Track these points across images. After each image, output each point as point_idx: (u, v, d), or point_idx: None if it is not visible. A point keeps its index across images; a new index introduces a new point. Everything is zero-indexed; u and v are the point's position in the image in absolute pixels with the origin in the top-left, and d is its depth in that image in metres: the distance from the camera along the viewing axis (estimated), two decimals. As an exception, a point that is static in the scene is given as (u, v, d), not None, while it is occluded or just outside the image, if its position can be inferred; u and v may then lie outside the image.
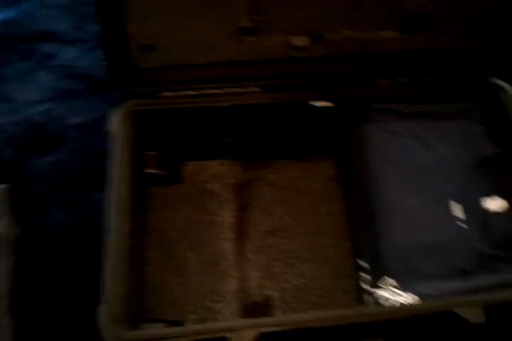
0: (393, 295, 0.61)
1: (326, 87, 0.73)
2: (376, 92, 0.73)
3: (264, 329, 0.54)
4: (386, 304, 0.61)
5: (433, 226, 0.66)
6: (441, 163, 0.71)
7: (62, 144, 0.84)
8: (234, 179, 0.79)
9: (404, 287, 0.61)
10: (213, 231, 0.75)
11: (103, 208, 0.63)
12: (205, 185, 0.79)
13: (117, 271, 0.60)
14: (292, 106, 0.73)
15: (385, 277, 0.63)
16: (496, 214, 0.68)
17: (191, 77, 0.71)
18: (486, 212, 0.68)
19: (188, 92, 0.72)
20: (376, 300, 0.63)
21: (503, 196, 0.69)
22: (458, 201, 0.69)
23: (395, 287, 0.62)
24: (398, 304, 0.60)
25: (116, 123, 0.69)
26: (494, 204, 0.69)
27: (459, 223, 0.67)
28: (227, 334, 0.54)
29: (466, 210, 0.68)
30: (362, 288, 0.67)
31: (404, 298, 0.60)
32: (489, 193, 0.70)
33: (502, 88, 0.73)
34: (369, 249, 0.67)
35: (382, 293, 0.62)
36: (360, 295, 0.68)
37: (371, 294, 0.64)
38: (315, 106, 0.73)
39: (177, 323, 0.66)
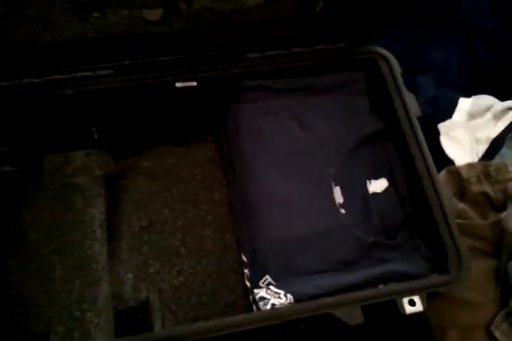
0: (271, 294, 0.55)
1: (189, 65, 0.64)
2: (246, 68, 0.65)
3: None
4: (263, 305, 0.55)
5: (311, 214, 0.60)
6: (321, 144, 0.64)
7: None
8: (103, 170, 0.71)
9: (282, 285, 0.56)
10: (81, 232, 0.67)
11: None
12: (71, 179, 0.70)
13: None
14: (152, 89, 0.64)
15: (265, 275, 0.57)
16: (377, 195, 0.63)
17: (29, 63, 0.60)
18: (367, 195, 0.63)
19: (29, 80, 0.61)
20: (254, 300, 0.58)
21: (385, 175, 0.64)
22: (338, 185, 0.63)
23: (274, 286, 0.56)
24: (276, 304, 0.54)
25: None
26: (376, 185, 0.64)
27: (339, 209, 0.61)
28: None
29: (346, 195, 0.62)
30: (246, 285, 0.60)
31: (281, 298, 0.54)
32: (371, 174, 0.65)
33: (383, 56, 0.66)
34: (248, 243, 0.61)
35: (261, 293, 0.56)
36: (245, 291, 0.63)
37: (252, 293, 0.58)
38: (178, 87, 0.64)
39: (43, 338, 0.58)
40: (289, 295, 0.54)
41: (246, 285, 0.62)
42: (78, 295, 0.62)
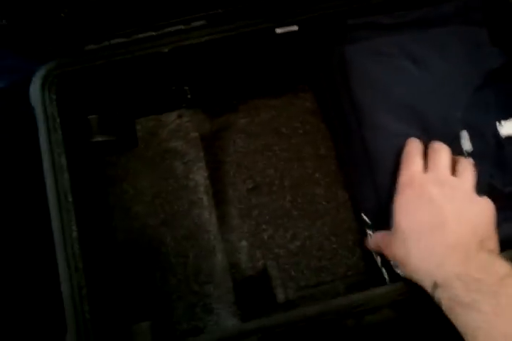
0: None
1: (288, 8, 0.55)
2: (352, 4, 0.56)
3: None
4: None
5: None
6: (441, 85, 0.55)
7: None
8: (198, 131, 0.65)
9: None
10: (186, 200, 0.62)
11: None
12: (167, 144, 0.65)
13: (78, 284, 0.47)
14: (248, 38, 0.56)
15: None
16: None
17: (117, 21, 0.53)
18: (500, 139, 0.54)
19: (118, 40, 0.54)
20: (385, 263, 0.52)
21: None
22: (465, 130, 0.54)
23: None
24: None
25: (36, 94, 0.53)
26: (509, 126, 0.55)
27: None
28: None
29: (475, 140, 0.54)
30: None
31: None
32: (502, 114, 0.56)
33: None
34: (372, 201, 0.55)
35: None
36: (367, 252, 0.57)
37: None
38: (277, 34, 0.56)
39: (165, 315, 0.56)
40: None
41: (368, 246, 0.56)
42: (194, 268, 0.58)
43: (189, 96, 0.63)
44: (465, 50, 0.57)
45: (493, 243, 0.44)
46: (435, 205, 0.44)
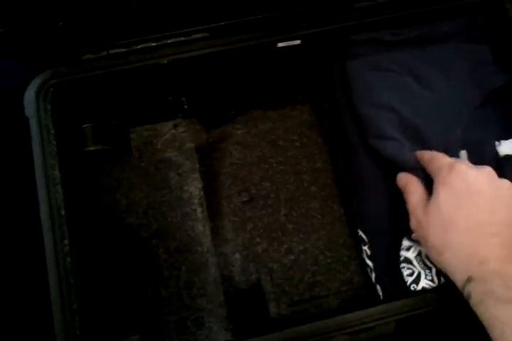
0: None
1: (291, 22, 0.53)
2: (356, 20, 0.54)
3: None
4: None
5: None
6: (443, 102, 0.54)
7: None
8: (194, 142, 0.63)
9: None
10: (180, 212, 0.60)
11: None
12: (161, 154, 0.63)
13: (68, 299, 0.46)
14: (250, 51, 0.54)
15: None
16: (510, 157, 0.53)
17: (116, 31, 0.51)
18: (498, 158, 0.53)
19: (116, 51, 0.52)
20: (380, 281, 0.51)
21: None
22: (464, 148, 0.53)
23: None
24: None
25: (31, 105, 0.51)
26: (507, 145, 0.54)
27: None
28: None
29: (474, 159, 0.52)
30: (366, 263, 0.54)
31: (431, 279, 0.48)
32: (501, 133, 0.55)
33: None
34: (369, 218, 0.53)
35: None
36: (361, 267, 0.57)
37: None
38: (279, 47, 0.54)
39: (157, 329, 0.54)
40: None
41: (363, 261, 0.55)
42: (186, 281, 0.57)
43: (186, 106, 0.62)
44: (467, 68, 0.56)
45: None
46: (486, 201, 0.42)
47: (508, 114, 0.55)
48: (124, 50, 0.52)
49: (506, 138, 0.55)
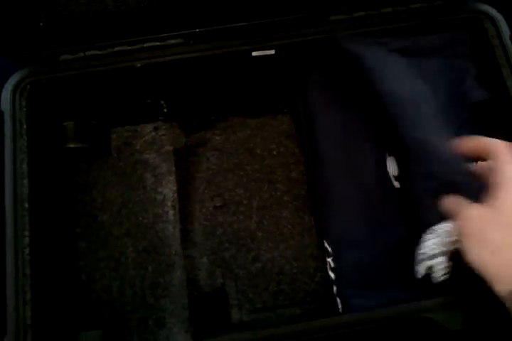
0: None
1: (265, 31, 0.53)
2: (331, 32, 0.53)
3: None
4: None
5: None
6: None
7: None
8: (173, 145, 0.62)
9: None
10: (152, 213, 0.60)
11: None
12: (140, 155, 0.62)
13: (22, 289, 0.45)
14: (225, 59, 0.54)
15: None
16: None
17: (93, 34, 0.51)
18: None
19: (93, 52, 0.52)
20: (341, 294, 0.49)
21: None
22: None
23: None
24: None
25: (7, 100, 0.51)
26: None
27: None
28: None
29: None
30: (329, 275, 0.52)
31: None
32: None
33: (489, 16, 0.54)
34: (333, 232, 0.52)
35: None
36: (326, 279, 0.55)
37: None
38: (253, 56, 0.54)
39: (118, 326, 0.53)
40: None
41: (328, 273, 0.53)
42: (152, 281, 0.56)
43: (165, 110, 0.61)
44: (448, 82, 0.54)
45: None
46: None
47: (485, 131, 0.53)
48: (100, 52, 0.52)
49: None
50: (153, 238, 0.58)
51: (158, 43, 0.52)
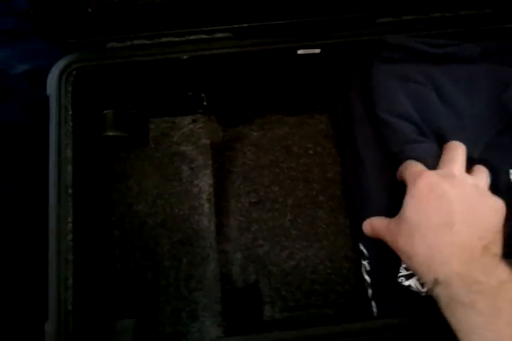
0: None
1: (313, 30, 0.51)
2: (378, 34, 0.52)
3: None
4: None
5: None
6: (464, 124, 0.51)
7: (7, 99, 0.63)
8: (210, 139, 0.61)
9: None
10: (188, 205, 0.58)
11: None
12: (177, 147, 0.61)
13: (65, 274, 0.44)
14: (270, 55, 0.53)
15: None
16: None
17: (142, 23, 0.49)
18: (510, 185, 0.50)
19: (140, 42, 0.50)
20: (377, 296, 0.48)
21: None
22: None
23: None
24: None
25: (53, 84, 0.49)
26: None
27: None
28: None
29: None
30: (364, 278, 0.51)
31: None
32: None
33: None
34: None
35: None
36: (360, 282, 0.53)
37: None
38: (298, 54, 0.52)
39: (151, 317, 0.51)
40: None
41: (362, 276, 0.52)
42: (186, 273, 0.54)
43: (205, 103, 0.60)
44: (493, 90, 0.53)
45: (497, 248, 0.41)
46: (446, 202, 0.41)
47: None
48: (147, 41, 0.51)
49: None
50: (188, 230, 0.56)
51: (205, 36, 0.51)
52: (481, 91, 0.53)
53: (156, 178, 0.59)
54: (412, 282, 0.45)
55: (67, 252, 0.44)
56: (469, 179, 0.44)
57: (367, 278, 0.51)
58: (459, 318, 0.38)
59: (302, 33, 0.52)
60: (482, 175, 0.46)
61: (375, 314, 0.50)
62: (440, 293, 0.39)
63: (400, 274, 0.46)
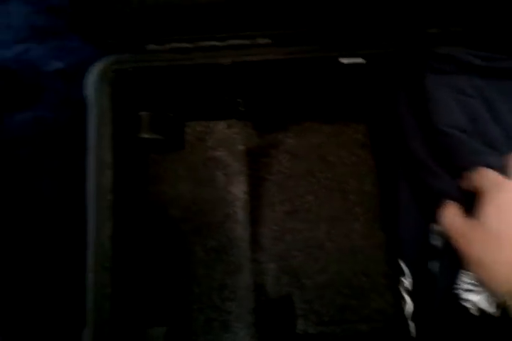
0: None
1: (357, 39, 0.49)
2: (426, 45, 0.50)
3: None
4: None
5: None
6: (510, 140, 0.49)
7: (41, 96, 0.61)
8: (245, 145, 0.58)
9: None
10: (222, 212, 0.56)
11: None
12: (212, 152, 0.59)
13: (103, 282, 0.41)
14: (313, 63, 0.50)
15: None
16: None
17: (183, 26, 0.47)
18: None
19: (180, 45, 0.48)
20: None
21: None
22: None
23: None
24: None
25: (92, 86, 0.47)
26: None
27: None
28: None
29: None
30: (402, 296, 0.48)
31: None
32: None
33: None
34: (411, 250, 0.48)
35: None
36: (396, 299, 0.51)
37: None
38: (340, 64, 0.50)
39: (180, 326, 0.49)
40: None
41: (399, 293, 0.50)
42: (219, 282, 0.53)
43: (242, 108, 0.57)
44: None
45: None
46: None
47: None
48: (187, 45, 0.48)
49: None
50: (222, 238, 0.54)
51: (247, 42, 0.48)
52: None
53: (190, 183, 0.57)
54: (474, 297, 0.42)
55: (105, 259, 0.42)
56: None
57: (406, 297, 0.49)
58: None
59: (344, 41, 0.50)
60: None
61: (413, 335, 0.48)
62: None
63: (459, 286, 0.43)
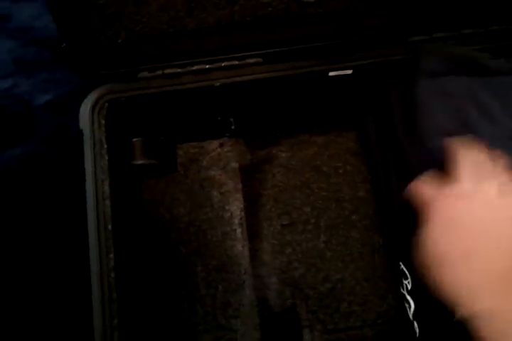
0: None
1: (344, 51, 0.50)
2: (410, 53, 0.51)
3: None
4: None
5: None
6: (498, 139, 0.49)
7: (32, 130, 0.63)
8: (238, 162, 0.59)
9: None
10: (220, 231, 0.57)
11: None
12: (206, 172, 0.60)
13: (110, 313, 0.42)
14: (301, 78, 0.51)
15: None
16: None
17: (173, 52, 0.48)
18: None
19: (171, 70, 0.49)
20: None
21: None
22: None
23: None
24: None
25: (85, 118, 0.48)
26: None
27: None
28: None
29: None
30: (405, 298, 0.49)
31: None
32: None
33: None
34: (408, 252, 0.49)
35: None
36: (398, 301, 0.52)
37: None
38: (329, 76, 0.51)
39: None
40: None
41: (401, 295, 0.50)
42: (222, 301, 0.53)
43: (233, 127, 0.58)
44: None
45: None
46: (461, 226, 0.36)
47: None
48: (179, 70, 0.49)
49: None
50: (222, 256, 0.55)
51: (237, 62, 0.50)
52: None
53: (187, 205, 0.58)
54: None
55: (111, 291, 0.43)
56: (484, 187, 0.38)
57: (408, 297, 0.50)
58: None
59: (333, 55, 0.51)
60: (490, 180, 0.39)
61: (417, 335, 0.48)
62: (479, 325, 0.34)
63: None
